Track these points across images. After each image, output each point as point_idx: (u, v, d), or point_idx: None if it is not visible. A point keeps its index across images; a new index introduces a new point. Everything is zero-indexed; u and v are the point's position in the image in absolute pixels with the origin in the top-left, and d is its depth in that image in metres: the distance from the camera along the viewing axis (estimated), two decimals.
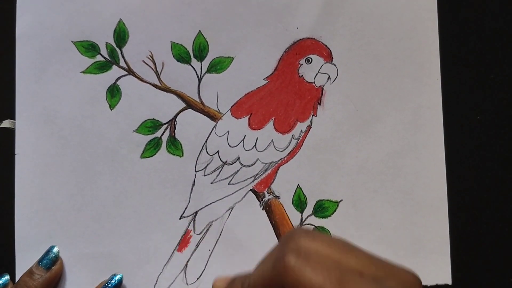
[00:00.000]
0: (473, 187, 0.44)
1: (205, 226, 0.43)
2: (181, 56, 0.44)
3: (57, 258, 0.41)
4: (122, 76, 0.43)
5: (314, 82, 0.44)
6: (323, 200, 0.43)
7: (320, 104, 0.44)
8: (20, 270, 0.41)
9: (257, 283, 0.30)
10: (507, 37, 0.45)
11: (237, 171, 0.43)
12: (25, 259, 0.42)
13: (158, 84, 0.43)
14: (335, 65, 0.44)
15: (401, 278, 0.29)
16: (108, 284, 0.41)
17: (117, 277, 0.41)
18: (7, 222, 0.42)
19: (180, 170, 0.43)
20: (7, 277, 0.41)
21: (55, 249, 0.42)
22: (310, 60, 0.44)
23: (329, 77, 0.44)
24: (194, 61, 0.44)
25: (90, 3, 0.43)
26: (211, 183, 0.43)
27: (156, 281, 0.42)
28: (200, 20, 0.44)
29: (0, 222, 0.43)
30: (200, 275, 0.43)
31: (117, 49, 0.43)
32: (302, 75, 0.44)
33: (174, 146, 0.43)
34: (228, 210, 0.43)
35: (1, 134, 0.43)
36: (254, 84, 0.44)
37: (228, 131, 0.43)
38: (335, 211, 0.43)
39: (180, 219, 0.43)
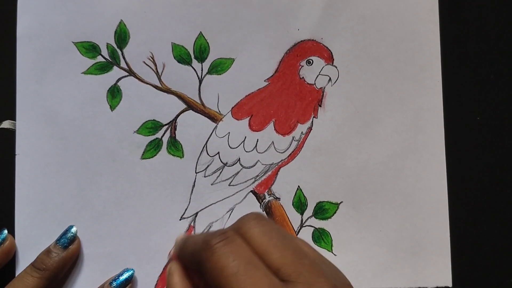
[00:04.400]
0: (474, 189, 0.44)
1: (206, 227, 0.43)
2: (182, 57, 0.44)
3: (74, 237, 0.42)
4: (122, 77, 0.43)
5: (315, 83, 0.44)
6: (324, 201, 0.43)
7: (320, 106, 0.44)
8: (20, 270, 0.41)
9: (188, 249, 0.33)
10: (507, 39, 0.45)
11: (238, 172, 0.43)
12: (25, 259, 0.42)
13: (159, 85, 0.43)
14: (336, 67, 0.44)
15: (314, 286, 0.29)
16: (119, 277, 0.41)
17: (130, 272, 0.42)
18: (7, 222, 0.42)
19: (181, 171, 0.43)
20: (5, 231, 0.42)
21: (73, 229, 0.42)
22: (311, 61, 0.44)
23: (330, 79, 0.44)
24: (195, 62, 0.44)
25: (91, 4, 0.43)
26: (212, 184, 0.43)
27: (157, 281, 0.42)
28: (201, 21, 0.44)
29: (0, 222, 0.43)
30: None
31: (118, 50, 0.43)
32: (303, 77, 0.44)
33: (175, 147, 0.43)
34: (229, 211, 0.43)
35: (2, 135, 0.43)
36: (255, 85, 0.44)
37: (229, 133, 0.43)
38: (335, 212, 0.43)
39: (180, 220, 0.43)
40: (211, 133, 0.43)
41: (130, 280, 0.42)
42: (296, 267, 0.30)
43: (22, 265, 0.42)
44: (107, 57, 0.43)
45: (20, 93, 0.43)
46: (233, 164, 0.43)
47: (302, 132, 0.43)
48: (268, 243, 0.31)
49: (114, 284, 0.41)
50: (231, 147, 0.43)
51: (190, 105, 0.43)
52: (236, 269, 0.29)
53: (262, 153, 0.43)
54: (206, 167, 0.43)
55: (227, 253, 0.29)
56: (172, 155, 0.43)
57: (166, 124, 0.43)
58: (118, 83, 0.43)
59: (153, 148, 0.43)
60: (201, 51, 0.43)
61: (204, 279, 0.30)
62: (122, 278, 0.41)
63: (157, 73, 0.43)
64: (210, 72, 0.43)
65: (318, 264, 0.31)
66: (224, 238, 0.30)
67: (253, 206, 0.43)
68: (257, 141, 0.43)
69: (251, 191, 0.43)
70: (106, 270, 0.42)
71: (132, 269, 0.42)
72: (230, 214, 0.43)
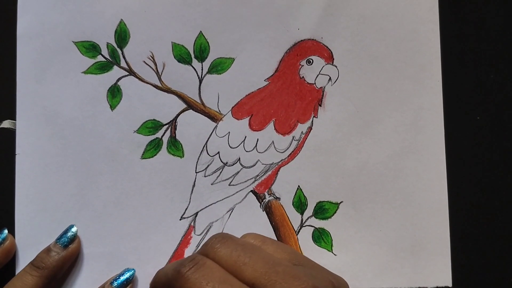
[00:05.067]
0: (474, 189, 0.44)
1: (206, 227, 0.43)
2: (182, 56, 0.44)
3: (75, 237, 0.42)
4: (123, 77, 0.43)
5: (315, 83, 0.44)
6: (324, 201, 0.43)
7: (321, 106, 0.44)
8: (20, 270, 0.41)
9: (161, 281, 0.33)
10: (508, 38, 0.45)
11: (238, 172, 0.43)
12: (25, 259, 0.42)
13: (159, 84, 0.43)
14: (336, 67, 0.44)
15: None
16: (119, 277, 0.41)
17: (131, 272, 0.42)
18: (7, 222, 0.42)
19: (181, 171, 0.43)
20: (5, 230, 0.42)
21: (74, 228, 0.42)
22: (311, 61, 0.44)
23: (330, 79, 0.44)
24: (195, 62, 0.44)
25: (91, 3, 0.43)
26: (212, 184, 0.43)
27: None
28: (201, 21, 0.44)
29: (0, 222, 0.43)
30: None
31: (118, 50, 0.43)
32: (303, 76, 0.44)
33: (175, 147, 0.43)
34: (229, 211, 0.43)
35: (2, 134, 0.43)
36: (255, 85, 0.44)
37: (229, 132, 0.43)
38: (335, 212, 0.43)
39: (180, 220, 0.43)
40: (211, 132, 0.43)
41: (131, 280, 0.42)
42: (270, 276, 0.30)
43: (22, 264, 0.42)
44: (107, 56, 0.43)
45: (20, 93, 0.43)
46: (233, 164, 0.43)
47: (302, 132, 0.43)
48: (236, 261, 0.31)
49: (115, 284, 0.41)
50: (231, 147, 0.43)
51: (190, 105, 0.43)
52: None
53: (262, 152, 0.43)
54: (206, 166, 0.43)
55: (199, 278, 0.30)
56: (172, 154, 0.43)
57: (166, 124, 0.43)
58: (118, 83, 0.43)
59: (153, 148, 0.43)
60: (201, 51, 0.43)
61: None
62: (123, 278, 0.41)
63: (157, 72, 0.43)
64: (210, 71, 0.43)
65: (293, 268, 0.31)
66: (194, 264, 0.30)
67: (253, 205, 0.43)
68: (257, 141, 0.43)
69: (251, 191, 0.43)
70: (106, 270, 0.42)
71: (133, 269, 0.42)
72: (230, 214, 0.43)
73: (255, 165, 0.43)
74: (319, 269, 0.33)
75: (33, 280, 0.39)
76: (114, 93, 0.43)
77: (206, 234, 0.43)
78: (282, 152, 0.43)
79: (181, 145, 0.43)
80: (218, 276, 0.30)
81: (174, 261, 0.39)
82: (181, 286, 0.30)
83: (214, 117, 0.43)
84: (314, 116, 0.44)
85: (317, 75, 0.44)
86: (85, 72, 0.43)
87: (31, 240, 0.42)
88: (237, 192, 0.43)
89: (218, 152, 0.43)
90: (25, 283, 0.39)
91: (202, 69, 0.43)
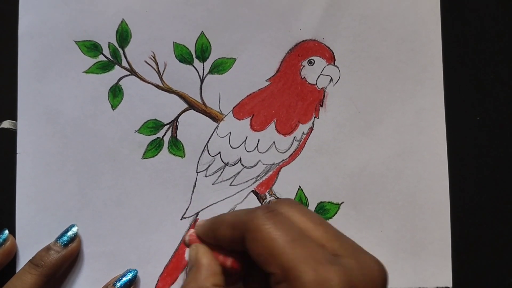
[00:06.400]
0: (475, 190, 0.44)
1: None
2: (184, 56, 0.43)
3: (75, 236, 0.42)
4: (124, 76, 0.43)
5: (316, 83, 0.44)
6: (325, 202, 0.43)
7: (322, 106, 0.44)
8: None
9: (227, 221, 0.33)
10: (508, 39, 0.45)
11: (239, 172, 0.43)
12: (25, 258, 0.42)
13: (160, 84, 0.43)
14: (338, 67, 0.44)
15: (362, 261, 0.30)
16: (122, 278, 0.41)
17: (133, 273, 0.42)
18: (8, 221, 0.42)
19: (182, 171, 0.43)
20: (6, 231, 0.42)
21: (75, 228, 0.42)
22: (313, 61, 0.44)
23: (331, 79, 0.44)
24: (196, 62, 0.44)
25: (93, 3, 0.43)
26: (213, 184, 0.43)
27: (157, 281, 0.42)
28: (203, 21, 0.44)
29: (0, 222, 0.43)
30: None
31: (120, 49, 0.43)
32: (304, 77, 0.44)
33: (176, 146, 0.43)
34: (230, 211, 0.43)
35: (3, 134, 0.43)
36: (256, 85, 0.44)
37: (230, 132, 0.43)
38: (336, 213, 0.43)
39: (181, 219, 0.43)
40: (212, 132, 0.43)
41: (134, 280, 0.41)
42: (341, 243, 0.30)
43: (22, 264, 0.42)
44: (109, 56, 0.43)
45: (21, 92, 0.43)
46: (234, 164, 0.43)
47: (303, 132, 0.43)
48: (309, 221, 0.31)
49: (118, 285, 0.41)
50: (232, 147, 0.43)
51: (192, 105, 0.43)
52: (291, 238, 0.29)
53: (263, 153, 0.43)
54: (207, 167, 0.43)
55: (277, 223, 0.30)
56: (173, 154, 0.43)
57: (167, 124, 0.43)
58: (120, 82, 0.43)
59: (154, 148, 0.43)
60: (203, 51, 0.43)
61: (249, 250, 0.30)
62: (126, 279, 0.41)
63: (158, 72, 0.43)
64: (211, 71, 0.43)
65: (358, 245, 0.31)
66: (270, 211, 0.31)
67: (254, 206, 0.43)
68: (258, 141, 0.43)
69: (252, 191, 0.43)
70: (106, 269, 0.42)
71: (135, 270, 0.42)
72: None
73: (256, 165, 0.43)
74: None
75: (32, 279, 0.39)
76: (116, 92, 0.43)
77: None
78: (283, 153, 0.43)
79: (182, 145, 0.43)
80: (296, 228, 0.30)
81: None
82: (257, 226, 0.30)
83: (215, 117, 0.43)
84: (315, 117, 0.44)
85: (319, 76, 0.44)
86: (86, 72, 0.43)
87: (31, 240, 0.42)
88: (238, 192, 0.43)
89: (219, 152, 0.43)
90: (24, 282, 0.39)
91: (203, 69, 0.43)
